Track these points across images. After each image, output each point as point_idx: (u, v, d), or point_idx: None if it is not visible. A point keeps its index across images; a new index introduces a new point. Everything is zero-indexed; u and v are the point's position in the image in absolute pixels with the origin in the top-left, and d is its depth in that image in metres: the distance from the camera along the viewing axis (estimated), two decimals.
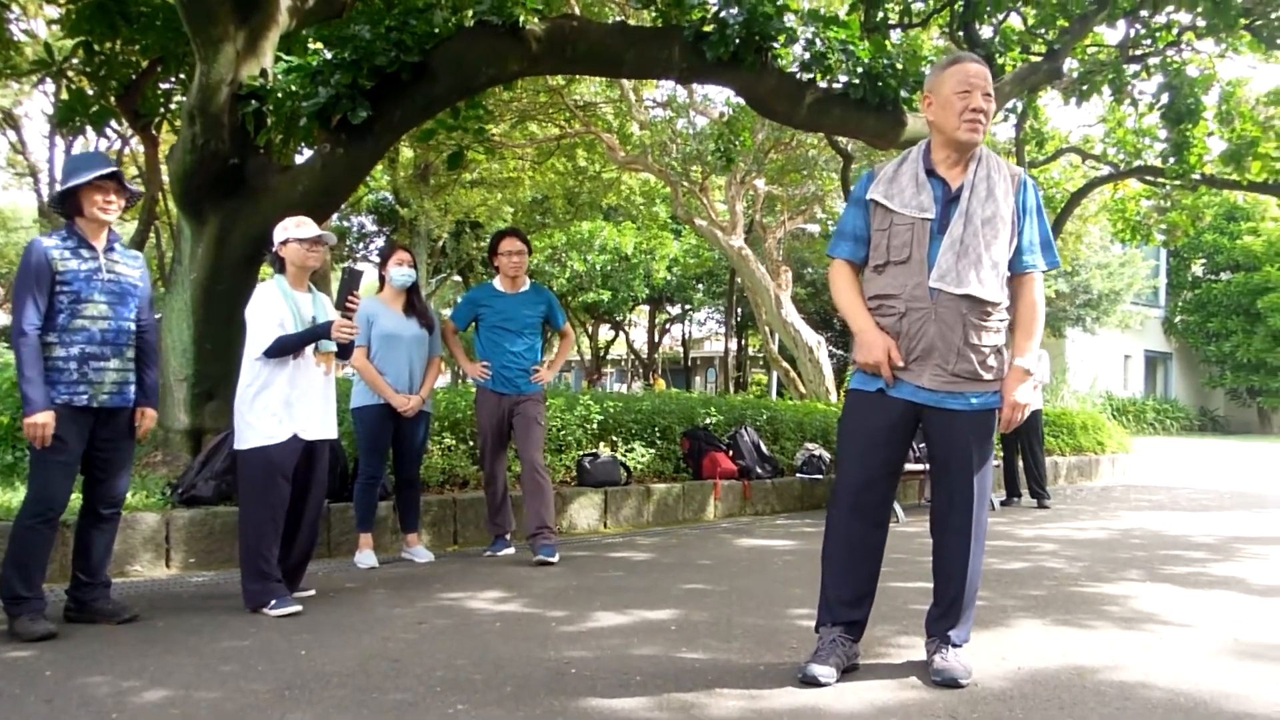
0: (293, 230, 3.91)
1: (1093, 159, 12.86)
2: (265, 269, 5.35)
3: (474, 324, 5.22)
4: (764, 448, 7.95)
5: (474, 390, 5.49)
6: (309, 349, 3.86)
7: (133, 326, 3.54)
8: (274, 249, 3.96)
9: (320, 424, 3.91)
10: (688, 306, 32.05)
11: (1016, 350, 2.82)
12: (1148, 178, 11.19)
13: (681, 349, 41.33)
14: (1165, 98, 8.81)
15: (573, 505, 6.29)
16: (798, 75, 5.80)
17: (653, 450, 7.30)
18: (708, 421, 7.95)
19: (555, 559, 4.81)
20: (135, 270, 3.59)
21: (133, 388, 3.53)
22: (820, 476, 8.05)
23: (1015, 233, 2.83)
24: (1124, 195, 13.28)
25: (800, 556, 5.29)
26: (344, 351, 4.06)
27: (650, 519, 6.72)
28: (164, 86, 7.50)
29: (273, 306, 3.79)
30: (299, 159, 6.03)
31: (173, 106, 7.47)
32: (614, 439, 7.19)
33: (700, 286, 28.90)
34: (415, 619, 3.56)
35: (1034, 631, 3.44)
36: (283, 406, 3.76)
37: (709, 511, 7.16)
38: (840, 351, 21.94)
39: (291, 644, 3.17)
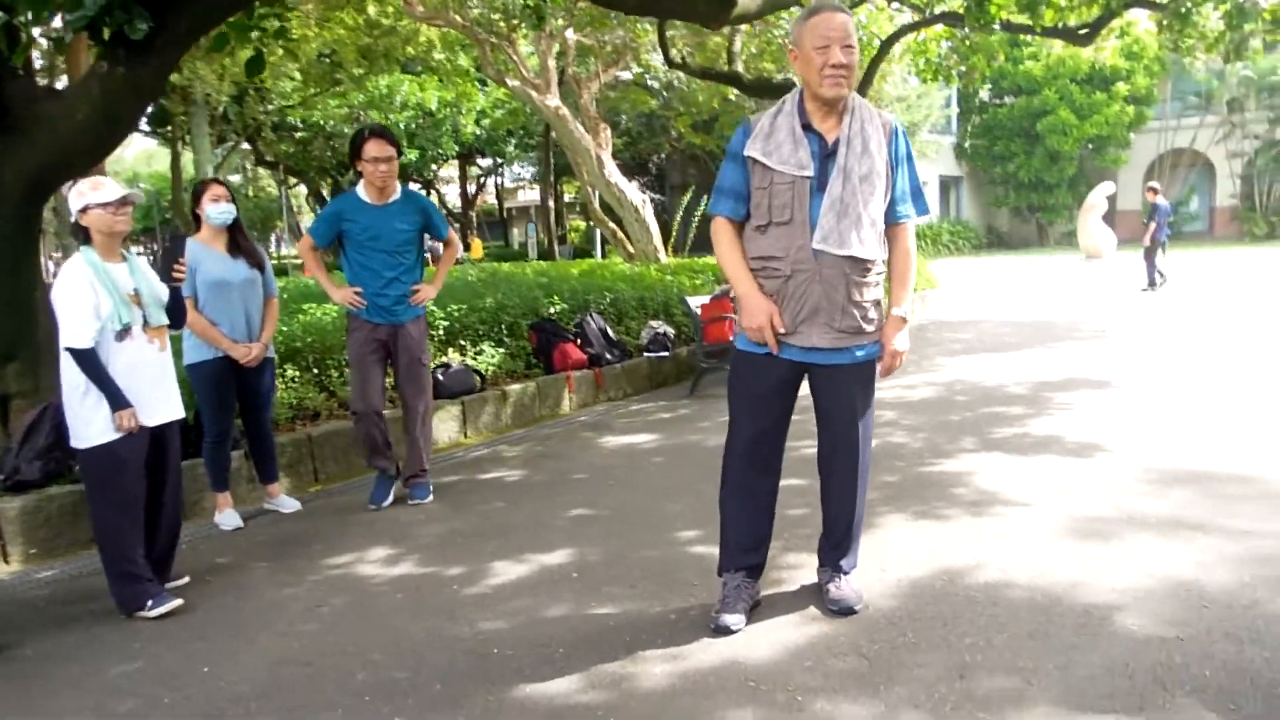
0: (90, 195, 3.40)
1: (896, 2, 13.07)
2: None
3: (338, 242, 4.66)
4: (610, 332, 8.01)
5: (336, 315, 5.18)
6: (137, 325, 3.47)
7: None
8: (73, 220, 3.46)
9: (165, 405, 3.58)
10: (500, 160, 30.99)
11: (894, 299, 2.94)
12: (951, 24, 11.52)
13: (496, 201, 40.28)
14: None
15: (433, 421, 6.16)
16: None
17: (502, 350, 7.20)
18: (551, 311, 7.88)
19: (429, 499, 4.76)
20: None
21: None
22: (666, 354, 8.24)
23: (890, 185, 2.87)
24: (925, 37, 13.66)
25: (666, 455, 5.47)
26: (176, 320, 3.69)
27: (509, 422, 6.71)
28: None
29: (82, 290, 3.33)
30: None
31: None
32: (462, 343, 7.02)
33: (512, 140, 27.90)
34: (310, 600, 3.45)
35: (900, 531, 3.76)
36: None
37: (564, 405, 7.22)
38: (658, 196, 22.10)
39: (189, 659, 3.01)
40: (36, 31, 4.57)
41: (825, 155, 2.81)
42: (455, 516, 4.45)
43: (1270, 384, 6.51)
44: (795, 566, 3.43)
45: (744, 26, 12.97)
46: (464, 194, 34.96)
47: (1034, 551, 3.46)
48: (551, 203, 23.49)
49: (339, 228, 4.61)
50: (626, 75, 19.72)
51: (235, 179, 33.69)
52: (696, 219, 16.90)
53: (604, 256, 21.75)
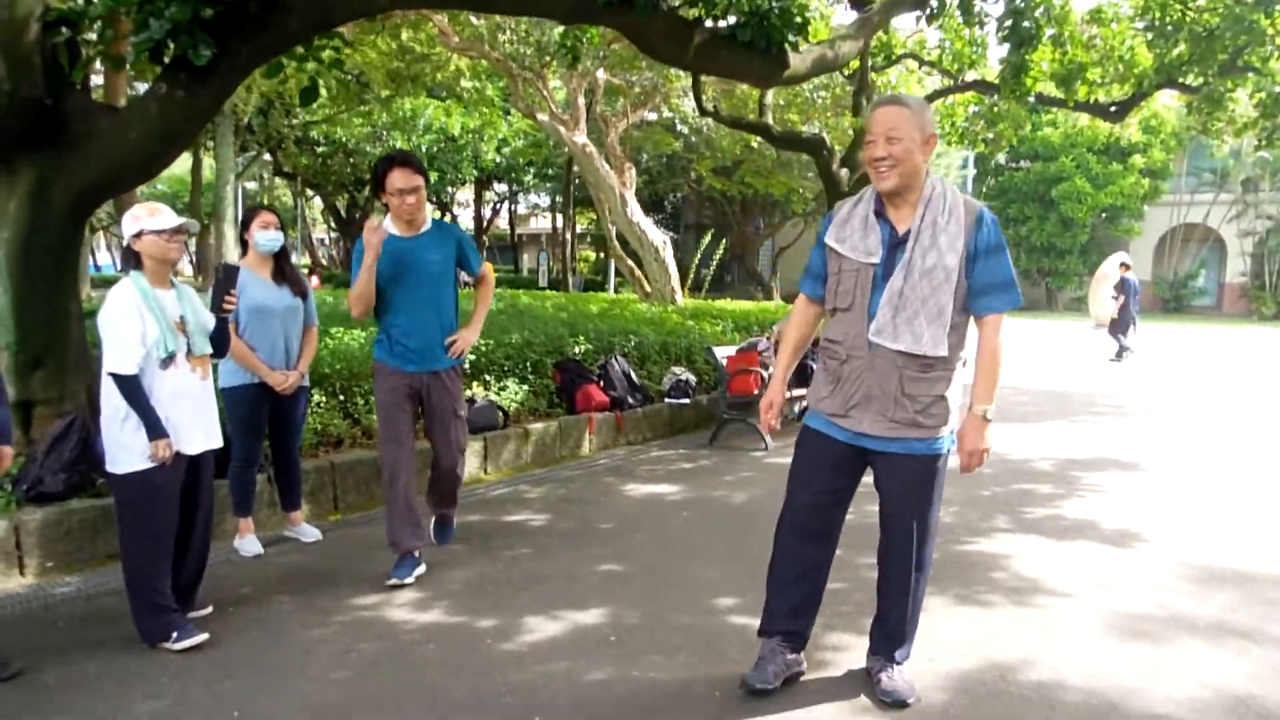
0: (146, 220, 3.37)
1: (928, 65, 13.21)
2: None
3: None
4: (634, 376, 7.97)
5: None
6: (181, 353, 3.42)
7: None
8: (125, 244, 3.43)
9: (204, 435, 3.51)
10: (517, 188, 31.16)
11: (975, 397, 2.81)
12: (982, 92, 11.62)
13: (508, 227, 40.44)
14: (1010, 21, 9.07)
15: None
16: (685, 15, 5.51)
17: (526, 387, 7.15)
18: (576, 351, 7.84)
19: (451, 543, 4.67)
20: None
21: None
22: (688, 401, 8.19)
23: (964, 276, 2.77)
24: (953, 101, 13.80)
25: (693, 510, 5.40)
26: (220, 349, 3.64)
27: (529, 460, 6.64)
28: None
29: (130, 316, 3.28)
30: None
31: None
32: (487, 378, 6.98)
33: (531, 169, 28.07)
34: (339, 644, 3.36)
35: (944, 615, 3.68)
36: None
37: (585, 446, 7.16)
38: (673, 235, 22.10)
39: (219, 700, 2.92)
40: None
41: (894, 245, 2.80)
42: (482, 561, 4.37)
43: None
44: (840, 648, 3.35)
45: None
46: (478, 218, 35.10)
47: (1082, 649, 3.38)
48: (568, 234, 23.56)
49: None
50: (651, 116, 19.92)
51: (252, 186, 33.83)
52: (715, 262, 16.91)
53: (616, 291, 21.79)
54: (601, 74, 14.92)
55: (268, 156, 26.20)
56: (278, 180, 34.14)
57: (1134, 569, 4.34)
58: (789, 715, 2.84)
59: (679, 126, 18.95)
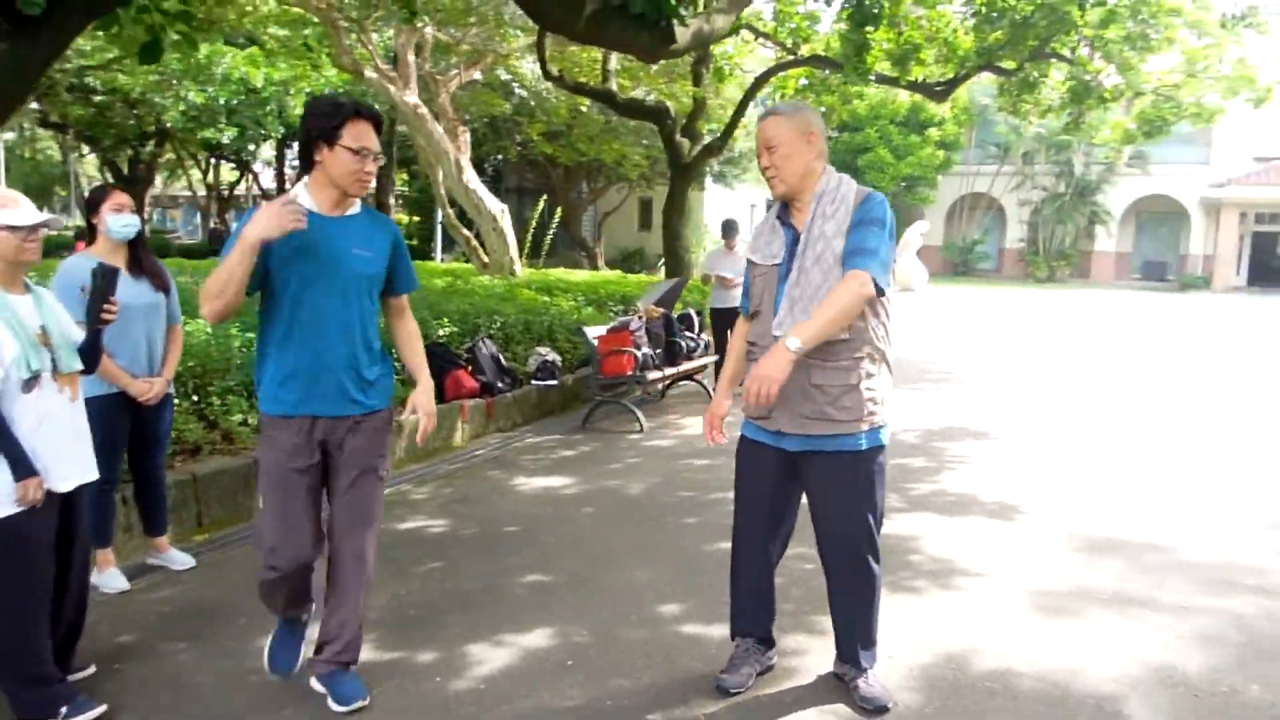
0: None
1: (764, 37, 13.41)
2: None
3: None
4: (502, 360, 7.67)
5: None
6: (46, 372, 2.88)
7: None
8: None
9: (77, 467, 2.99)
10: None
11: (795, 327, 2.68)
12: (822, 68, 11.94)
13: None
14: (855, 0, 9.33)
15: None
16: None
17: (395, 376, 6.69)
18: (440, 335, 7.44)
19: (363, 701, 2.92)
20: None
21: None
22: (555, 382, 7.98)
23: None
24: (785, 75, 14.11)
25: (594, 505, 5.26)
26: (90, 364, 3.11)
27: (403, 455, 6.25)
28: None
29: None
30: None
31: None
32: None
33: None
34: (267, 701, 2.98)
35: (883, 606, 3.73)
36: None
37: (457, 436, 6.83)
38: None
39: None
40: None
41: (794, 243, 2.84)
42: (393, 581, 4.02)
43: (1119, 428, 7.14)
44: (798, 651, 3.33)
45: None
46: (280, 176, 32.75)
47: (1017, 633, 3.54)
48: (390, 199, 22.35)
49: (271, 248, 2.71)
50: (477, 76, 19.17)
51: (10, 136, 29.90)
52: (553, 229, 16.61)
53: (442, 260, 21.05)
54: (429, 30, 14.14)
55: (34, 105, 23.17)
56: (41, 132, 30.33)
57: (1026, 543, 4.61)
58: None
59: (517, 89, 18.33)
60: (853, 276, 2.66)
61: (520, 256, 15.12)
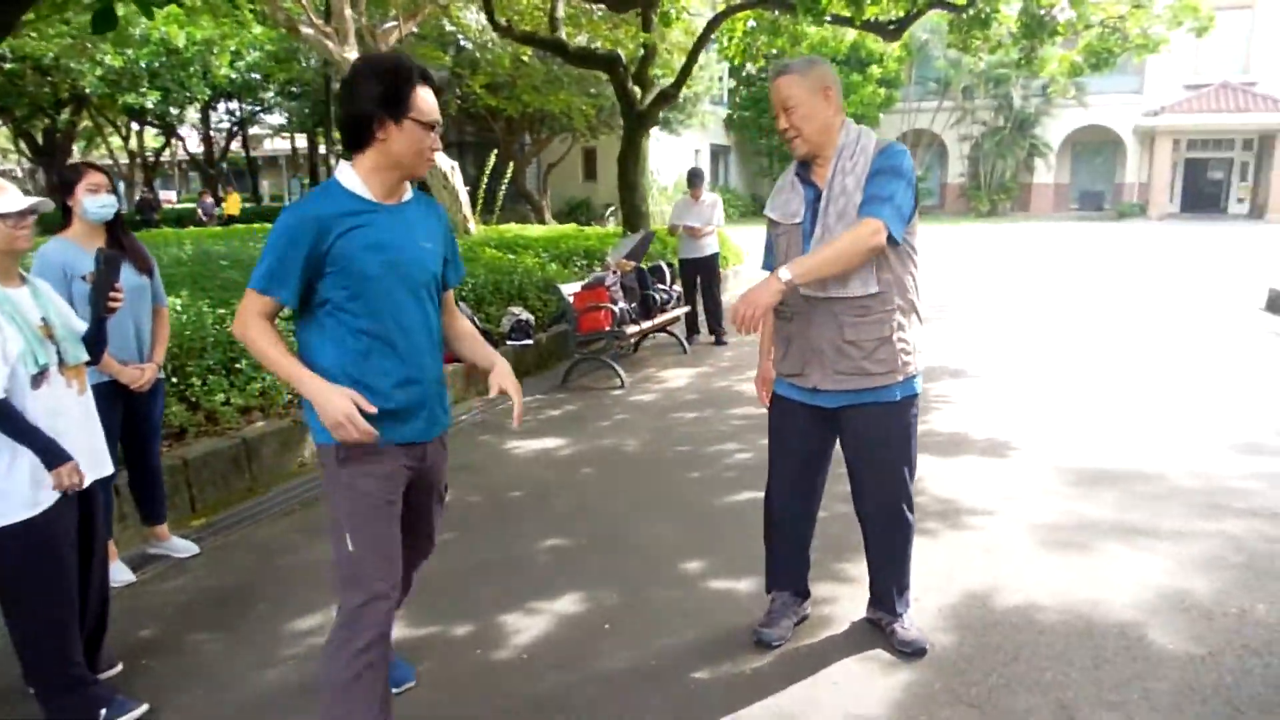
0: None
1: None
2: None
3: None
4: (476, 321, 7.56)
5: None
6: (53, 365, 2.77)
7: None
8: None
9: (93, 461, 2.89)
10: (255, 106, 28.26)
11: (792, 262, 2.66)
12: (773, 8, 11.80)
13: (243, 150, 36.76)
14: None
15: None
16: None
17: None
18: None
19: (411, 684, 2.92)
20: None
21: None
22: (530, 341, 7.91)
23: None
24: (734, 16, 13.93)
25: (595, 465, 5.26)
26: (96, 354, 2.99)
27: None
28: None
29: None
30: None
31: None
32: None
33: (272, 85, 25.47)
34: (303, 684, 2.94)
35: None
36: None
37: None
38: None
39: None
40: None
41: (816, 201, 2.81)
42: None
43: (1084, 359, 7.35)
44: (828, 600, 3.39)
45: None
46: (208, 140, 31.58)
47: (1033, 568, 3.65)
48: (331, 158, 21.60)
49: (322, 251, 2.24)
50: (414, 29, 18.58)
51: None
52: (505, 184, 16.33)
53: None
54: None
55: None
56: None
57: (1021, 479, 4.74)
58: (823, 674, 2.88)
59: (462, 41, 17.79)
60: (865, 224, 2.62)
61: (473, 214, 14.84)
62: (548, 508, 4.55)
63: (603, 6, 14.97)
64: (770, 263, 3.01)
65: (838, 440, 3.02)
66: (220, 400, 5.19)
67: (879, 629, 3.11)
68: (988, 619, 3.23)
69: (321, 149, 30.57)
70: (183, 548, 4.16)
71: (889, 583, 3.07)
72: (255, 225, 18.86)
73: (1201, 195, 31.61)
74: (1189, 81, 30.28)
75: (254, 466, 5.09)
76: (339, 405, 2.20)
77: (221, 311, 5.76)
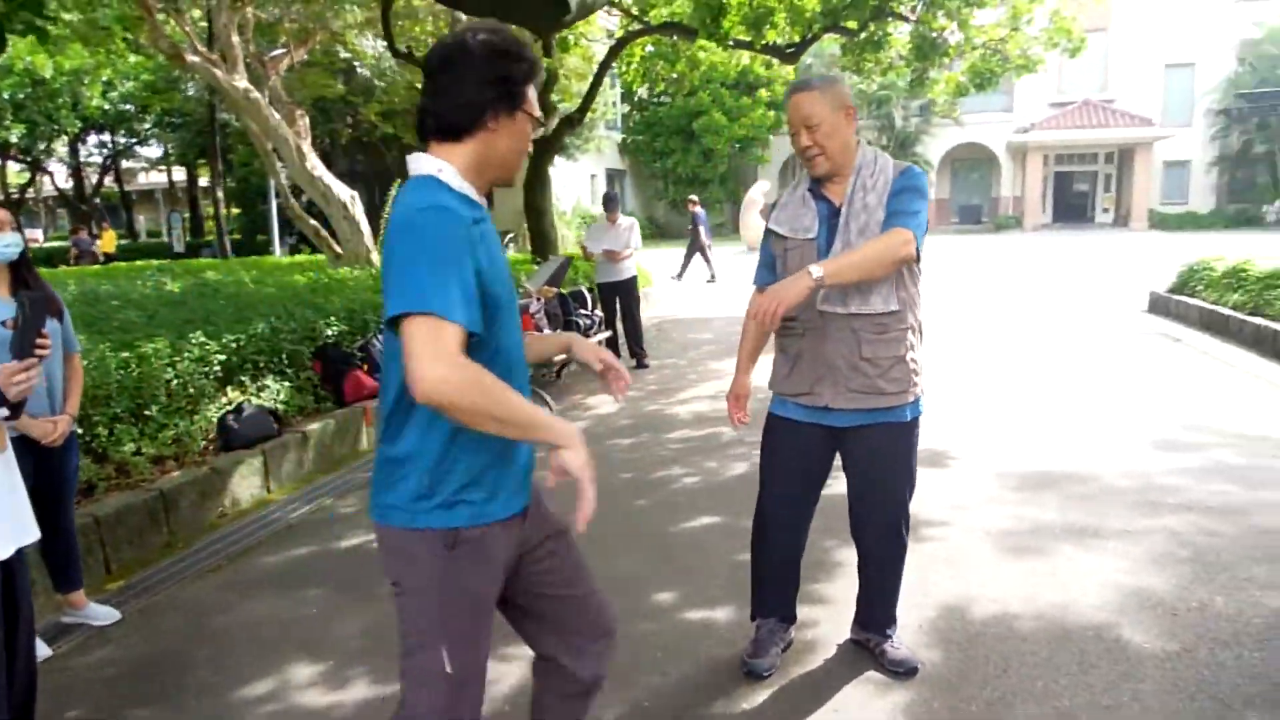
0: None
1: (610, 5, 13.26)
2: None
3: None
4: None
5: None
6: None
7: None
8: None
9: (15, 527, 2.61)
10: (132, 140, 26.93)
11: (823, 261, 2.63)
12: (672, 35, 11.93)
13: (116, 184, 35.01)
14: None
15: (233, 478, 5.18)
16: None
17: (286, 383, 6.25)
18: (329, 334, 6.99)
19: None
20: None
21: None
22: None
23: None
24: (634, 42, 14.04)
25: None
26: (15, 410, 2.70)
27: (312, 467, 5.86)
28: None
29: None
30: None
31: None
32: (242, 380, 5.98)
33: (148, 117, 24.31)
34: None
35: None
36: None
37: (363, 441, 6.46)
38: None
39: None
40: None
41: (832, 216, 2.79)
42: (360, 605, 3.75)
43: (995, 366, 7.60)
44: (811, 624, 3.34)
45: (465, 20, 12.41)
46: (78, 174, 29.88)
47: (998, 576, 3.69)
48: (220, 192, 20.65)
49: (477, 267, 1.72)
50: (303, 56, 18.05)
51: None
52: None
53: (293, 253, 19.86)
54: (250, 9, 13.16)
55: None
56: None
57: (968, 487, 4.82)
58: (821, 703, 2.82)
59: (359, 68, 17.33)
60: (897, 233, 2.60)
61: (375, 244, 14.44)
62: None
63: None
64: (765, 278, 2.92)
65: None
66: (130, 450, 4.82)
67: (866, 650, 3.07)
68: (969, 631, 3.23)
69: (203, 181, 29.40)
70: (102, 614, 3.81)
71: (881, 603, 3.04)
72: (139, 263, 17.86)
73: (1070, 206, 33.54)
74: (1054, 100, 32.17)
75: (172, 520, 4.73)
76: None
77: (125, 355, 5.35)
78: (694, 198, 19.82)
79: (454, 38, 1.84)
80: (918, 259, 2.71)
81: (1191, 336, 9.55)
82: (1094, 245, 23.50)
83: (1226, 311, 9.64)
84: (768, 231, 2.93)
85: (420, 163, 1.80)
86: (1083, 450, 5.41)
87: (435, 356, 1.56)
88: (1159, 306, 11.54)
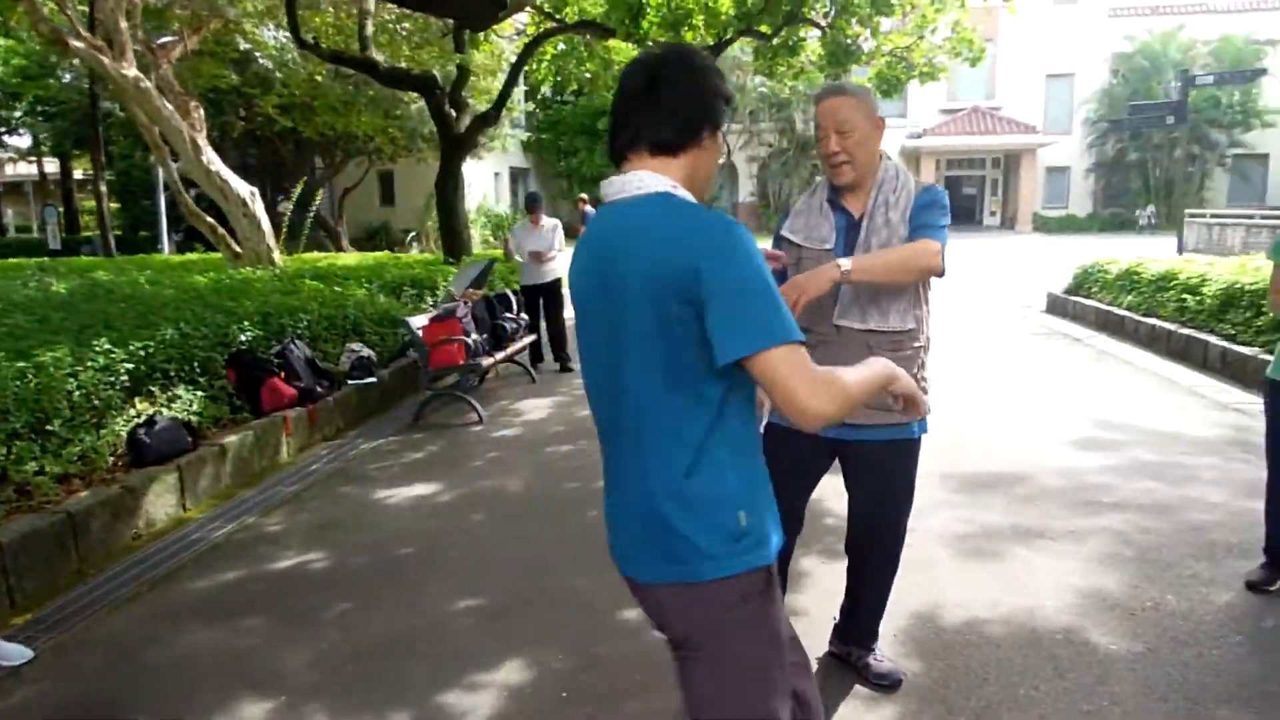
0: None
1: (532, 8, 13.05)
2: None
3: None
4: (316, 361, 6.96)
5: None
6: None
7: None
8: None
9: None
10: (1, 129, 25.13)
11: (856, 256, 2.58)
12: (588, 34, 11.80)
13: None
14: None
15: (146, 496, 4.82)
16: None
17: (199, 393, 5.87)
18: (243, 340, 6.60)
19: None
20: None
21: None
22: (374, 380, 7.38)
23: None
24: (546, 41, 13.85)
25: (483, 512, 4.91)
26: None
27: (230, 481, 5.52)
28: None
29: None
30: None
31: None
32: (152, 390, 5.58)
33: (19, 105, 22.70)
34: None
35: (833, 575, 3.79)
36: None
37: (283, 453, 6.12)
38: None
39: None
40: None
41: (851, 228, 2.74)
42: (303, 634, 3.51)
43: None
44: None
45: (373, 11, 12.01)
46: None
47: (959, 581, 3.72)
48: (103, 185, 19.30)
49: None
50: (195, 45, 17.11)
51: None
52: (313, 211, 15.32)
53: (181, 251, 18.85)
54: None
55: None
56: None
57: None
58: None
59: (260, 58, 16.49)
60: (926, 243, 2.56)
61: (278, 243, 13.82)
62: (446, 563, 4.18)
63: (407, 26, 14.49)
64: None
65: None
66: (32, 469, 4.44)
67: (847, 663, 3.04)
68: (943, 640, 3.24)
69: (78, 174, 27.68)
70: (13, 653, 3.46)
71: (868, 617, 3.02)
72: (11, 260, 16.57)
73: (960, 209, 34.85)
74: (944, 106, 33.40)
75: (81, 545, 4.35)
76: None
77: (21, 364, 4.91)
78: (584, 196, 19.51)
79: (669, 53, 1.78)
80: (941, 273, 2.68)
81: (1090, 336, 10.00)
82: (982, 247, 24.53)
83: (1122, 312, 10.14)
84: (779, 238, 2.85)
85: (646, 180, 1.70)
86: (1014, 451, 5.55)
87: (813, 390, 1.55)
88: (1057, 307, 12.06)
